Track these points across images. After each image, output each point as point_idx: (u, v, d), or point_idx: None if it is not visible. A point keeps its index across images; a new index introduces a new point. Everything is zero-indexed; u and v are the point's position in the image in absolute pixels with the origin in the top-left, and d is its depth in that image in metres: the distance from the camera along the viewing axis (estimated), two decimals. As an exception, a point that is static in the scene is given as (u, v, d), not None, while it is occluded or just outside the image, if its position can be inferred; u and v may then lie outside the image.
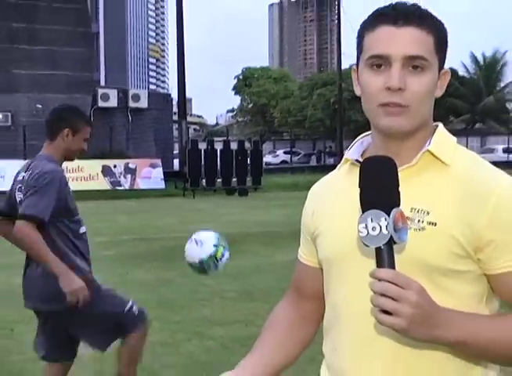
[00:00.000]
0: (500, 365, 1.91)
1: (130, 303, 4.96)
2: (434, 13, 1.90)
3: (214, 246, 4.16)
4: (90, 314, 4.77)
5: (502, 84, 70.95)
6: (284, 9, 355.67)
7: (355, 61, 2.01)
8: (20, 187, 4.77)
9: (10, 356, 7.15)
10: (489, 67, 70.30)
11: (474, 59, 71.45)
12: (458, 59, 70.61)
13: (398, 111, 1.82)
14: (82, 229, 4.91)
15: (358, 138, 2.06)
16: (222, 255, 4.26)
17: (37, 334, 5.13)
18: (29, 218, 4.54)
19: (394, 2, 1.89)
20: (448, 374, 1.84)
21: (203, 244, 4.11)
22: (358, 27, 1.94)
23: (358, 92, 1.96)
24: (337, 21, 55.53)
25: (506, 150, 57.23)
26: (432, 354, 1.81)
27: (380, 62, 1.83)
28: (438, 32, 1.86)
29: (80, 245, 4.86)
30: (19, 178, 4.86)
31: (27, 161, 5.03)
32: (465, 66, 71.77)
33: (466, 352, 1.78)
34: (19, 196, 4.78)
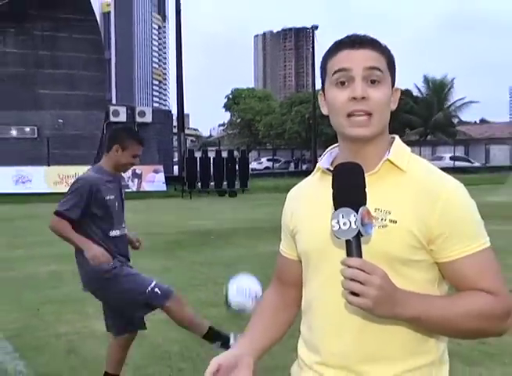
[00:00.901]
0: (449, 337, 1.94)
1: (152, 284, 4.86)
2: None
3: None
4: (117, 294, 4.81)
5: (449, 103, 71.39)
6: (267, 40, 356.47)
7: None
8: None
9: (36, 333, 7.12)
10: (439, 89, 70.72)
11: (427, 81, 71.85)
12: (412, 81, 71.04)
13: (363, 121, 1.85)
14: (113, 232, 4.87)
15: (327, 149, 2.08)
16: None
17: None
18: (57, 214, 4.64)
19: (349, 34, 1.95)
20: (407, 346, 1.87)
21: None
22: (322, 58, 1.99)
23: (325, 111, 1.99)
24: (311, 49, 55.60)
25: (452, 158, 57.53)
26: (394, 329, 1.84)
27: (343, 78, 1.87)
28: (387, 54, 1.92)
29: (108, 246, 4.80)
30: None
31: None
32: (418, 88, 72.20)
33: (421, 326, 1.81)
34: None
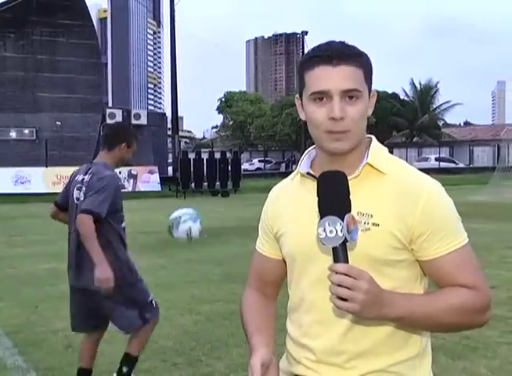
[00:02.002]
0: (432, 332, 1.97)
1: (152, 295, 4.99)
2: (360, 49, 1.90)
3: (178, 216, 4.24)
4: (121, 295, 4.74)
5: (434, 106, 71.65)
6: (258, 44, 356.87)
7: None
8: (80, 187, 4.79)
9: (35, 328, 7.11)
10: (424, 92, 70.98)
11: (413, 85, 72.09)
12: (399, 85, 71.25)
13: (341, 137, 1.83)
14: (124, 224, 4.93)
15: (305, 152, 2.06)
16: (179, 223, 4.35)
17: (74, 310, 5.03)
18: (89, 213, 4.56)
19: (326, 42, 1.88)
20: (393, 341, 1.88)
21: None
22: (299, 65, 1.94)
23: (303, 117, 1.94)
24: (301, 54, 55.69)
25: (437, 159, 57.70)
26: (380, 326, 1.85)
27: (321, 96, 1.83)
28: (365, 65, 1.87)
29: (123, 236, 4.90)
30: (78, 179, 4.86)
31: (86, 165, 4.99)
32: (405, 92, 72.42)
33: (406, 324, 1.82)
34: (76, 193, 4.82)
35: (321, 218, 1.63)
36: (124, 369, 4.95)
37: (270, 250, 2.14)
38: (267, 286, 2.18)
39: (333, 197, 1.65)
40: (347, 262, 1.63)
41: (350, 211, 1.64)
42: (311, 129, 1.90)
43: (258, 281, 2.20)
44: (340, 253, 1.63)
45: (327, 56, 1.82)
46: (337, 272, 1.60)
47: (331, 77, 1.81)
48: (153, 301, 4.99)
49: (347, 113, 1.81)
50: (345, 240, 1.61)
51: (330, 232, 1.61)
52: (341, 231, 1.60)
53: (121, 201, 4.90)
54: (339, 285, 1.60)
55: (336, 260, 1.64)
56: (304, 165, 2.01)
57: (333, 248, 1.64)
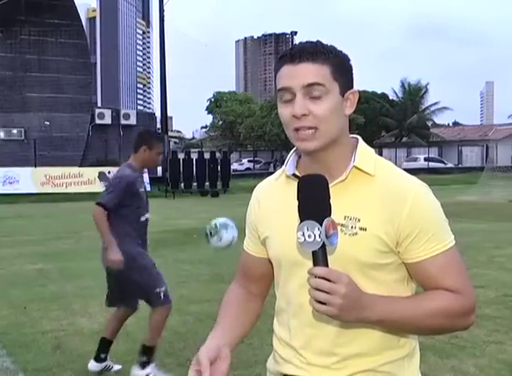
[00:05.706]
0: (416, 335, 1.96)
1: (163, 288, 5.45)
2: (334, 47, 1.87)
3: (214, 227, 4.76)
4: (131, 278, 5.36)
5: (423, 107, 71.84)
6: (248, 45, 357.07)
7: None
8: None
9: (23, 329, 7.08)
10: (414, 93, 71.09)
11: (402, 85, 72.23)
12: (389, 85, 71.44)
13: (307, 136, 1.81)
14: (143, 217, 5.67)
15: (291, 152, 2.03)
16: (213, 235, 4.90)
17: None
18: (98, 204, 5.34)
19: (297, 43, 1.90)
20: (384, 342, 1.88)
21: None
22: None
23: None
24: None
25: (426, 159, 57.84)
26: (370, 330, 1.85)
27: (287, 96, 1.83)
28: (332, 62, 1.82)
29: (137, 228, 5.59)
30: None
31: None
32: (395, 92, 72.57)
33: (389, 327, 1.82)
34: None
35: (301, 221, 1.63)
36: (143, 359, 5.42)
37: (255, 248, 2.13)
38: (252, 282, 2.17)
39: (313, 202, 1.65)
40: (327, 266, 1.63)
41: (330, 215, 1.63)
42: (284, 129, 1.89)
43: (243, 277, 2.19)
44: (319, 257, 1.63)
45: (290, 55, 1.83)
46: (316, 276, 1.61)
47: (293, 74, 1.81)
48: (161, 294, 5.42)
49: (311, 110, 1.79)
50: (324, 245, 1.61)
51: (309, 236, 1.61)
52: (319, 236, 1.60)
53: (138, 196, 5.51)
54: (317, 289, 1.61)
55: (315, 264, 1.64)
56: (289, 166, 1.99)
57: (312, 252, 1.63)
